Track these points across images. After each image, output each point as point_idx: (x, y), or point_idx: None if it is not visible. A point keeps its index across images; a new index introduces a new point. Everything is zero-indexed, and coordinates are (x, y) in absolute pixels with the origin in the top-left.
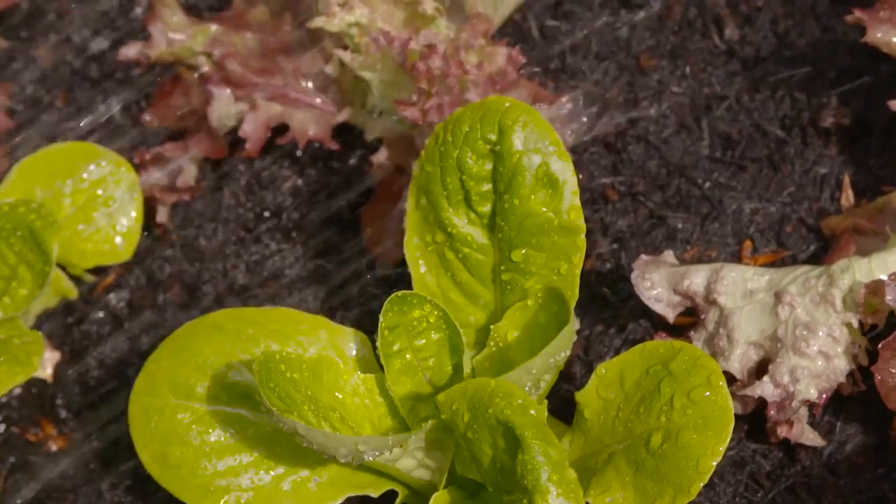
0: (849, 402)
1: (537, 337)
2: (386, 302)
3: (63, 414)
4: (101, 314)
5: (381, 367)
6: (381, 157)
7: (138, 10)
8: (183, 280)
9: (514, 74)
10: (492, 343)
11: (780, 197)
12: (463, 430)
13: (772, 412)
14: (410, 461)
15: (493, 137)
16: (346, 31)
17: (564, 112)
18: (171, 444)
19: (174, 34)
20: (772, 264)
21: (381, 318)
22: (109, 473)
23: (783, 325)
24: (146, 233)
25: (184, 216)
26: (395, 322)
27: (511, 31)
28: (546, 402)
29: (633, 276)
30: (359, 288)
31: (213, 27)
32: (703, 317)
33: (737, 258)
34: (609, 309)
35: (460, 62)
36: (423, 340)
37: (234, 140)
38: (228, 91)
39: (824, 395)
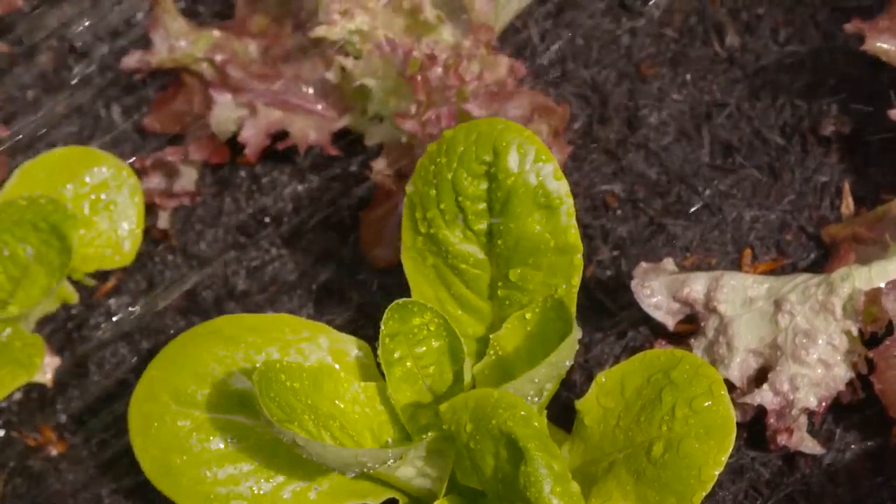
0: (848, 411)
1: (538, 346)
2: (387, 310)
3: (63, 419)
4: (101, 319)
5: (382, 374)
6: (380, 163)
7: (140, 16)
8: (183, 285)
9: (514, 85)
10: (491, 352)
11: (781, 205)
12: (465, 441)
13: (771, 420)
14: (410, 470)
15: (489, 159)
16: (348, 38)
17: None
18: (171, 451)
19: (175, 40)
20: (772, 272)
21: (382, 326)
22: (109, 479)
23: (783, 333)
24: (147, 237)
25: (184, 221)
26: (396, 330)
27: (512, 38)
28: (546, 411)
29: (633, 283)
30: (359, 294)
31: (215, 33)
32: (702, 324)
33: (737, 266)
34: (609, 316)
35: (459, 74)
36: (424, 348)
37: (235, 145)
38: (229, 96)
39: (824, 404)
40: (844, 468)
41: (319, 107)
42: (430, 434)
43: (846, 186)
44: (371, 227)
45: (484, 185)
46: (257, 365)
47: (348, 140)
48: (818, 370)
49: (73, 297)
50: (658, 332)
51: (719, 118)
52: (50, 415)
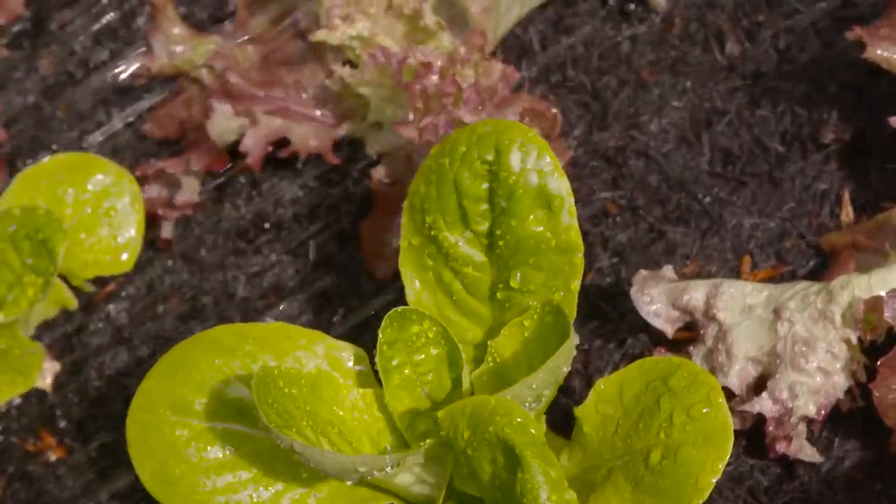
0: (847, 419)
1: (536, 352)
2: (385, 317)
3: (62, 424)
4: (101, 325)
5: (380, 382)
6: (380, 171)
7: (140, 22)
8: (183, 291)
9: (506, 90)
10: (489, 358)
11: (780, 212)
12: (463, 448)
13: (770, 428)
14: (409, 476)
15: (490, 158)
16: (348, 44)
17: None
18: (169, 460)
19: (175, 47)
20: (771, 280)
21: (380, 334)
22: (108, 484)
23: (782, 341)
24: (146, 244)
25: (184, 228)
26: (395, 337)
27: (512, 45)
28: (544, 417)
29: (633, 290)
30: (358, 302)
31: (215, 40)
32: (702, 332)
33: (736, 273)
34: (608, 323)
35: (455, 80)
36: (422, 355)
37: (235, 151)
38: (228, 106)
39: (823, 412)
40: (843, 476)
41: (319, 114)
42: (428, 441)
43: (846, 194)
44: (370, 235)
45: (486, 185)
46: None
47: (349, 148)
48: (817, 378)
49: (73, 302)
50: (657, 339)
51: (719, 125)
52: (49, 420)
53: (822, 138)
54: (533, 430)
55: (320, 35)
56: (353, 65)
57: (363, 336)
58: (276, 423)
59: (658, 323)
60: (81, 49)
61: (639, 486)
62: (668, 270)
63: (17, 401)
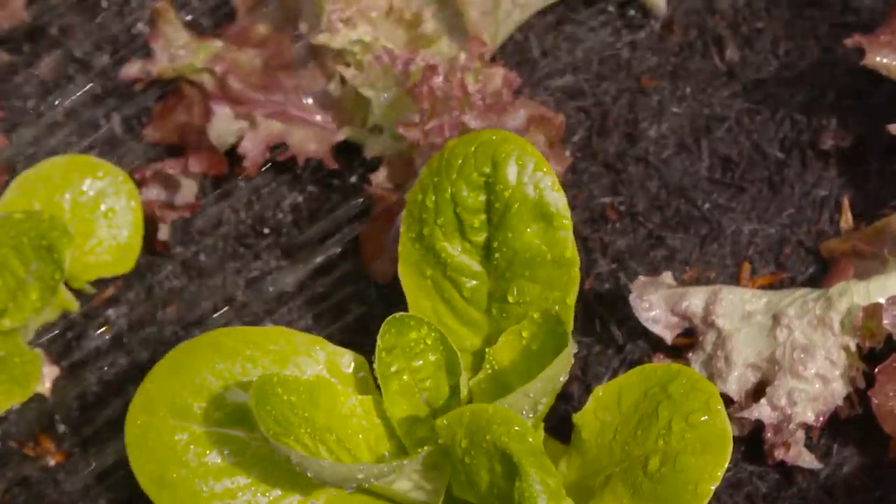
0: (846, 425)
1: (534, 360)
2: (384, 323)
3: (61, 429)
4: (100, 329)
5: (379, 388)
6: (380, 175)
7: (140, 26)
8: (182, 296)
9: (510, 96)
10: (487, 366)
11: (780, 219)
12: (461, 456)
13: (769, 434)
14: (407, 483)
15: (488, 170)
16: (349, 48)
17: None
18: (168, 464)
19: (176, 50)
20: (770, 286)
21: (378, 340)
22: (107, 489)
23: (781, 348)
24: (146, 248)
25: (183, 232)
26: (393, 343)
27: (512, 51)
28: (542, 424)
29: (632, 297)
30: (357, 306)
31: (215, 44)
32: (700, 338)
33: (735, 280)
34: (607, 329)
35: (462, 84)
36: (421, 362)
37: (234, 156)
38: (228, 109)
39: (821, 418)
40: (842, 483)
41: (319, 118)
42: (426, 448)
43: (845, 201)
44: (370, 240)
45: (483, 197)
46: (254, 378)
47: (348, 152)
48: (816, 385)
49: (74, 305)
50: (656, 345)
51: (719, 132)
52: (48, 425)
53: (821, 145)
54: (531, 439)
55: (321, 39)
56: (354, 69)
57: (363, 342)
58: (275, 431)
59: (657, 329)
60: (82, 53)
61: (637, 493)
62: (668, 276)
63: (16, 405)
